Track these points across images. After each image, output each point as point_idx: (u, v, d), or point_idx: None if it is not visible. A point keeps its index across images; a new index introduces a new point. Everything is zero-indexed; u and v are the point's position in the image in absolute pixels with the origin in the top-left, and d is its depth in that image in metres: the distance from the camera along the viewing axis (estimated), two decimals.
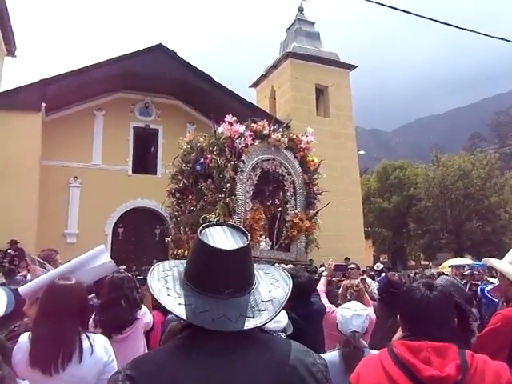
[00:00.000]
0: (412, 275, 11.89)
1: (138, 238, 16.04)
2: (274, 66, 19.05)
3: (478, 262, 18.00)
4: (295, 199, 6.02)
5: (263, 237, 6.04)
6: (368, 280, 6.51)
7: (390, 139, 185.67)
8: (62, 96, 14.01)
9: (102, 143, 15.85)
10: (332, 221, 15.57)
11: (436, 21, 8.20)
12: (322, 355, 2.55)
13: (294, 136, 6.00)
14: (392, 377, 1.45)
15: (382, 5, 7.17)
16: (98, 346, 2.18)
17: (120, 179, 15.61)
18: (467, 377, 1.40)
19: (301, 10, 20.50)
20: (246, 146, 5.57)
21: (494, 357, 2.12)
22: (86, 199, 14.97)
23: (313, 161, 6.15)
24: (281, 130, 5.87)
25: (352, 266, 6.07)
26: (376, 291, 5.08)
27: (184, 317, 1.10)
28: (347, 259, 14.31)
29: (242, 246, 1.16)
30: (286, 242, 6.01)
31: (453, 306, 1.61)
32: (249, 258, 1.20)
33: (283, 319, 2.60)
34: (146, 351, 3.17)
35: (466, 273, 10.32)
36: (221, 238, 1.19)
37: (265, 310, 1.15)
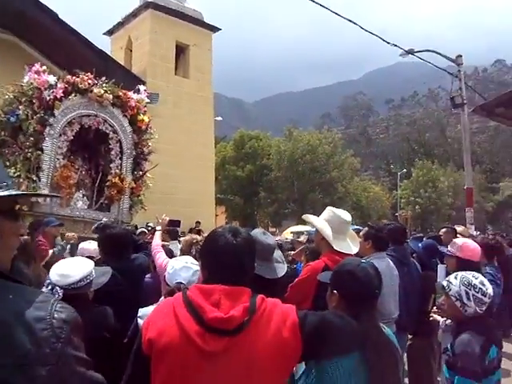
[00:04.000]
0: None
1: None
2: (133, 15, 17.73)
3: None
4: (121, 159, 5.63)
5: (81, 195, 5.60)
6: None
7: (250, 110, 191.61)
8: None
9: None
10: (184, 184, 15.41)
11: None
12: (149, 307, 2.31)
13: (121, 93, 5.54)
14: (180, 320, 1.43)
15: None
16: None
17: None
18: (254, 318, 1.43)
19: None
20: (59, 99, 4.98)
21: (303, 302, 2.54)
22: None
23: (143, 120, 5.75)
24: (104, 84, 5.35)
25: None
26: None
27: None
28: (198, 223, 14.38)
29: None
30: (106, 202, 5.64)
31: (254, 254, 1.62)
32: None
33: (74, 274, 2.28)
34: None
35: (300, 238, 10.91)
36: None
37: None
